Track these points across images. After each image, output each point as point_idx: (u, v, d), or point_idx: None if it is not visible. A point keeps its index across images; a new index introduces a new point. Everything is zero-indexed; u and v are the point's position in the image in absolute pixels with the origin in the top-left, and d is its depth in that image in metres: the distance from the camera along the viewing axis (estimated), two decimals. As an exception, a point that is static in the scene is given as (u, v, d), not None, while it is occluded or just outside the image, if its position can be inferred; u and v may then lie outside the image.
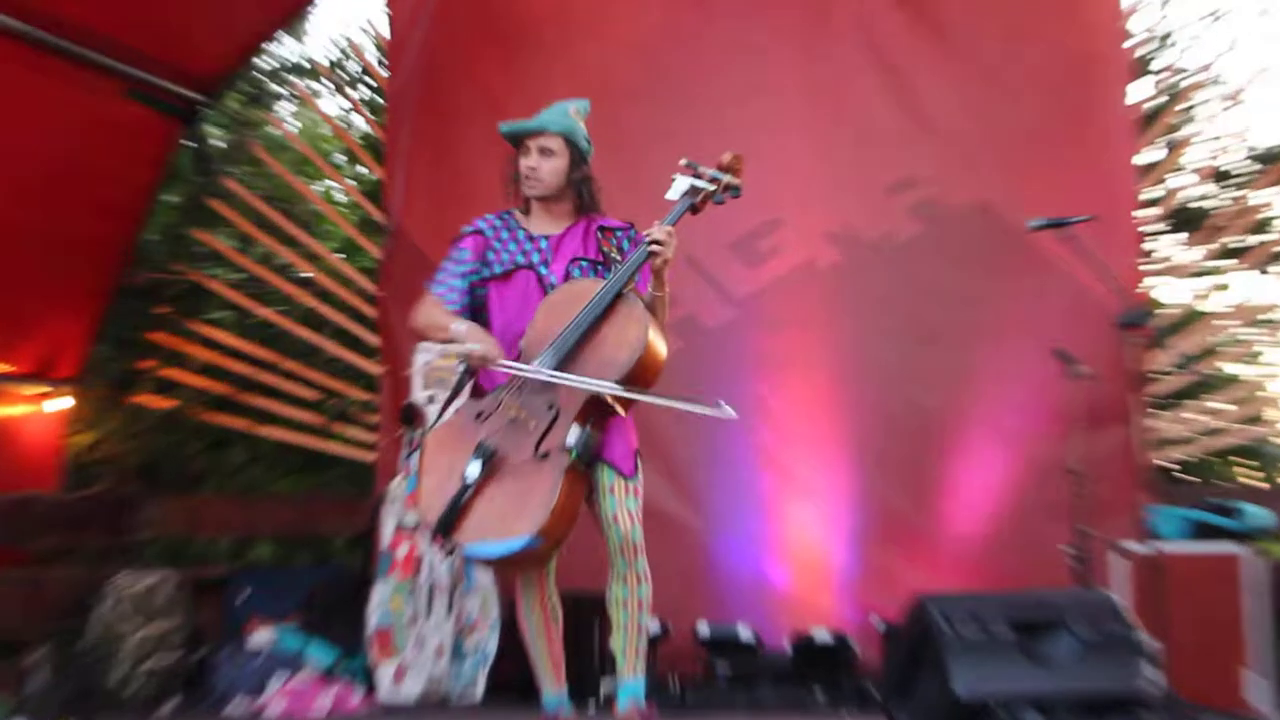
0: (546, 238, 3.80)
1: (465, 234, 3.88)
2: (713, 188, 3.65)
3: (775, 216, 6.46)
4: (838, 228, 6.39)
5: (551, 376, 3.38)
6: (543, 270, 3.75)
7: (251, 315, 7.24)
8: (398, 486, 5.59)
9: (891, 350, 6.21)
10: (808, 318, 6.38)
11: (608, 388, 3.35)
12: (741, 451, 6.22)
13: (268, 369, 7.02)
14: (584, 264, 3.77)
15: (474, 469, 3.40)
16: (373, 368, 6.95)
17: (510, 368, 3.49)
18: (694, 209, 3.70)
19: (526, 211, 3.89)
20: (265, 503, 7.03)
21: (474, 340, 3.63)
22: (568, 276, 3.77)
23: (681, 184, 3.68)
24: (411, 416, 5.82)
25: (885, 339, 6.24)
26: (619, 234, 3.83)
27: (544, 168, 3.79)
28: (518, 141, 3.86)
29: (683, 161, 3.72)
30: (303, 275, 7.31)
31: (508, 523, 3.30)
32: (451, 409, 3.71)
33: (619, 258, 3.75)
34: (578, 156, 3.83)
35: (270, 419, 7.11)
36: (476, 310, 3.84)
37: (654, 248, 3.60)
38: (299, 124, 8.64)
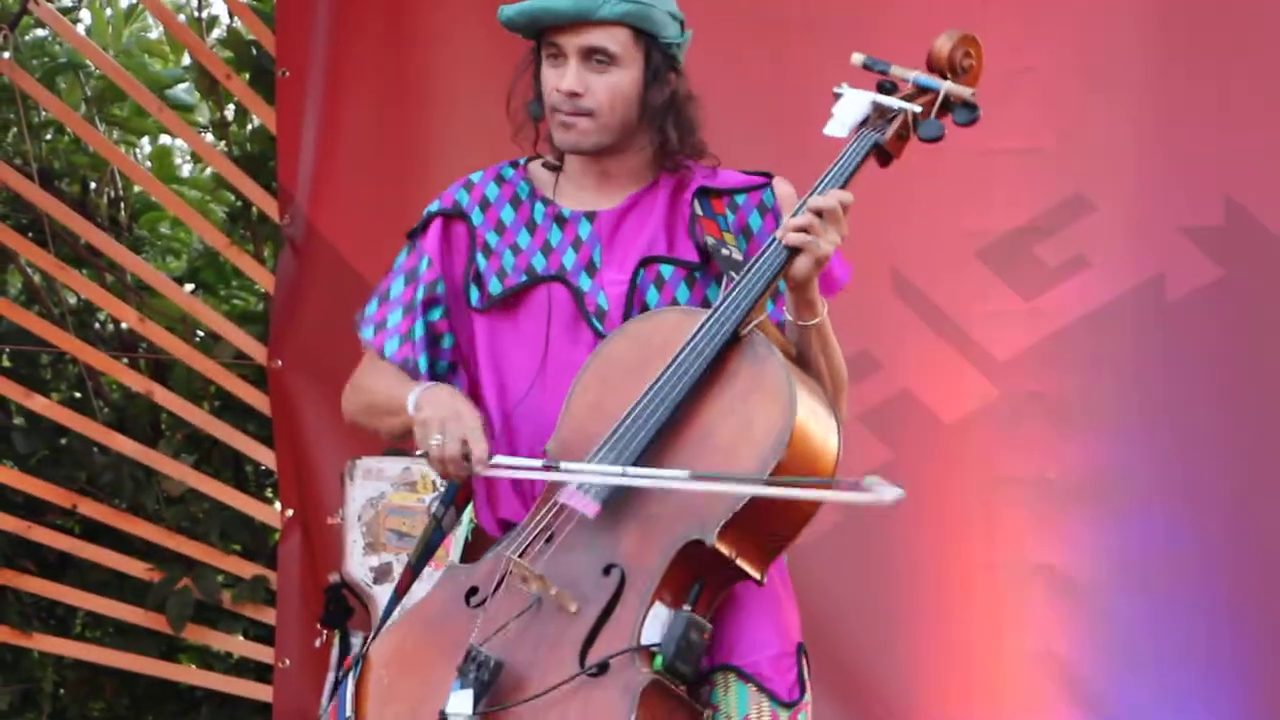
0: (590, 216, 3.42)
1: (427, 219, 3.48)
2: (917, 108, 3.30)
3: (1077, 193, 5.67)
4: (1211, 214, 5.68)
5: (598, 474, 3.17)
6: (583, 284, 3.37)
7: (10, 408, 6.66)
8: (316, 751, 5.51)
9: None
10: (1149, 399, 5.63)
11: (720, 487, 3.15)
12: (1007, 674, 5.62)
13: (43, 519, 6.34)
14: (665, 272, 3.40)
15: (460, 704, 3.13)
16: (263, 511, 6.35)
17: (519, 468, 3.23)
18: (882, 153, 3.29)
19: (555, 167, 3.46)
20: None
21: (437, 414, 3.23)
22: (636, 300, 3.37)
23: (853, 104, 3.33)
24: (342, 608, 5.50)
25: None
26: (741, 201, 3.45)
27: (598, 90, 3.36)
28: (538, 38, 3.41)
29: (857, 60, 3.39)
30: (117, 324, 6.86)
31: None
32: (416, 587, 3.52)
33: (735, 254, 3.38)
34: (660, 62, 3.38)
35: (50, 619, 6.66)
36: (449, 379, 3.46)
37: (795, 239, 3.17)
38: (100, 21, 7.73)
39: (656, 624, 3.13)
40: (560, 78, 3.35)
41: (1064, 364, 5.67)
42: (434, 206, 3.45)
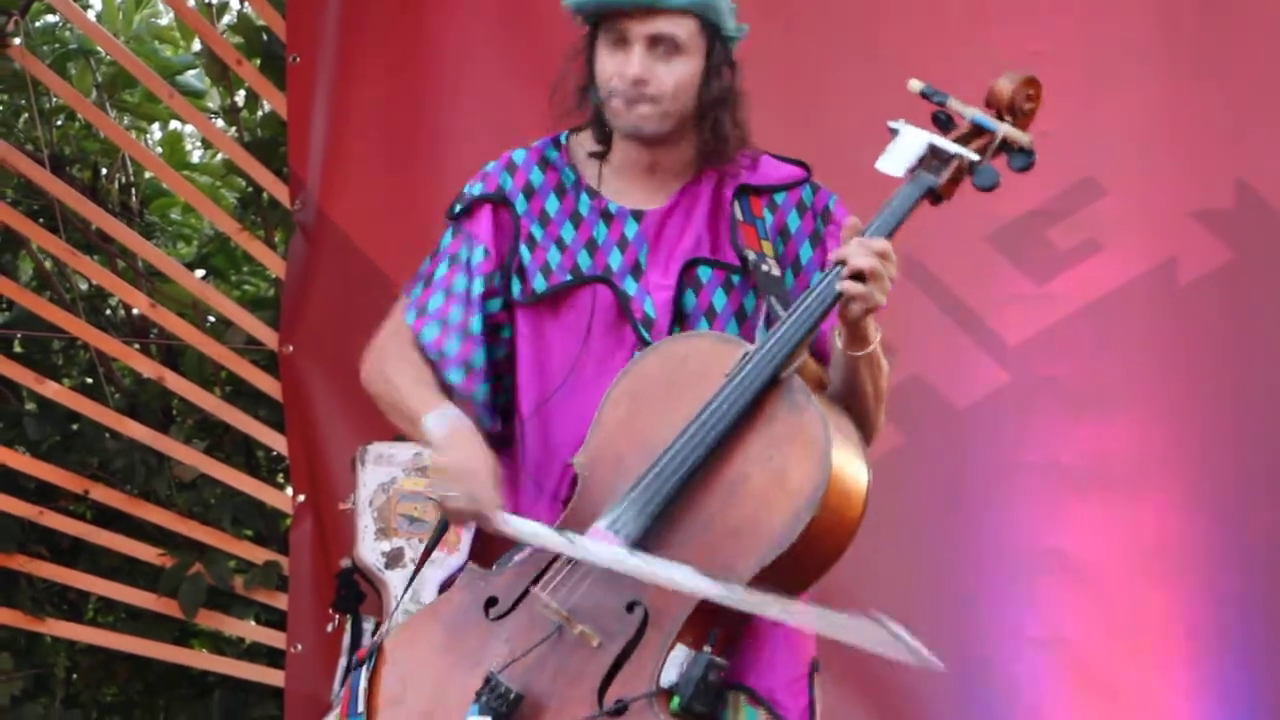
0: (637, 215, 3.36)
1: (470, 201, 3.39)
2: (973, 154, 3.21)
3: (1085, 176, 5.65)
4: (1222, 198, 5.62)
5: (619, 564, 3.10)
6: (629, 288, 3.33)
7: (22, 394, 6.59)
8: (326, 745, 5.42)
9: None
10: (1160, 383, 5.59)
11: (724, 594, 3.08)
12: (1020, 660, 5.53)
13: (55, 504, 6.25)
14: (704, 275, 3.35)
15: None
16: (275, 496, 6.31)
17: (536, 537, 3.16)
18: (934, 195, 3.22)
19: (602, 154, 3.39)
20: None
21: (454, 466, 3.19)
22: (680, 309, 3.31)
23: (910, 144, 3.25)
24: (353, 593, 5.52)
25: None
26: (780, 200, 3.40)
27: (664, 78, 3.30)
28: (596, 24, 3.33)
29: (915, 87, 3.27)
30: (128, 310, 6.83)
31: None
32: (427, 571, 3.61)
33: (774, 268, 3.34)
34: (720, 55, 3.34)
35: (63, 604, 6.60)
36: (505, 369, 3.39)
37: (848, 287, 3.11)
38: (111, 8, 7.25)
39: (675, 665, 3.12)
40: (625, 64, 3.31)
41: (1075, 348, 5.63)
42: (477, 189, 3.41)
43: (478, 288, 3.34)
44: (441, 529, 3.48)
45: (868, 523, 6.06)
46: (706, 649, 3.10)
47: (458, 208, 3.40)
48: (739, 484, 3.14)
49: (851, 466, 3.15)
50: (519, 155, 3.44)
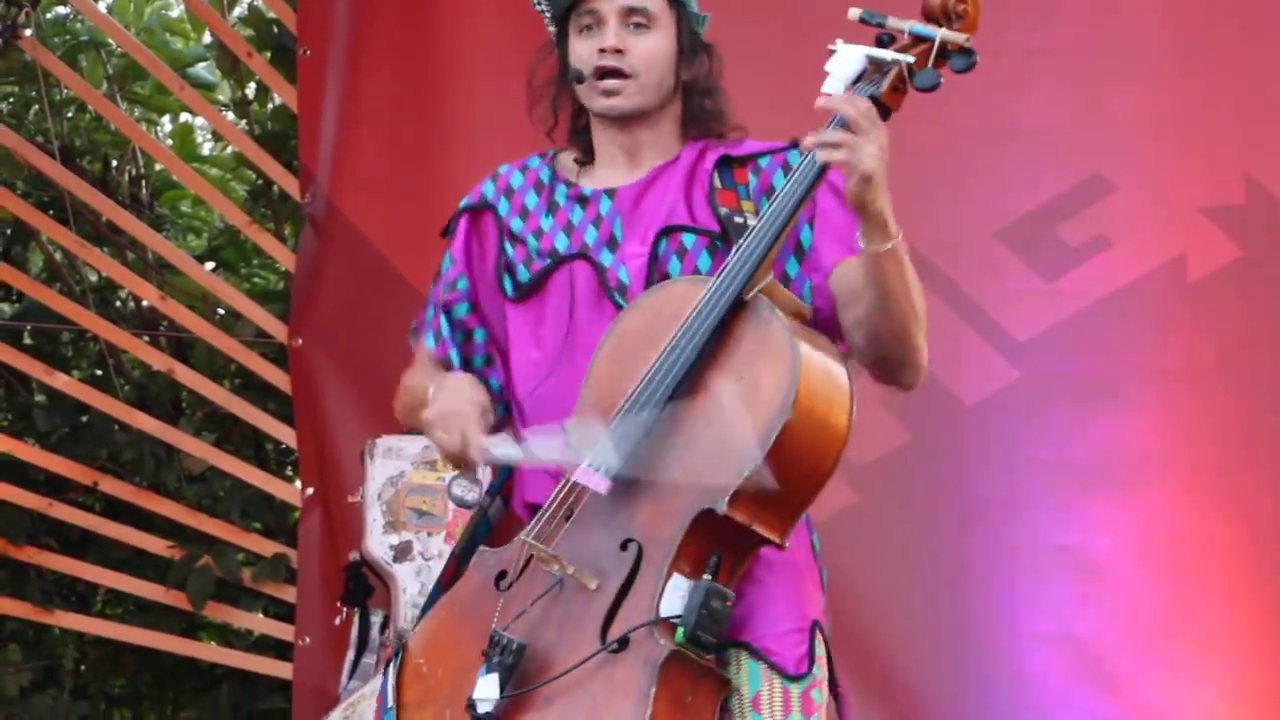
0: (610, 193, 3.38)
1: (457, 216, 3.45)
2: (911, 59, 3.24)
3: (1095, 173, 5.59)
4: (1232, 194, 5.54)
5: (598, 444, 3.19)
6: (604, 260, 3.34)
7: (32, 385, 6.53)
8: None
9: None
10: (1170, 379, 5.54)
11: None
12: (1029, 656, 5.49)
13: (64, 496, 6.18)
14: (688, 241, 3.34)
15: (486, 689, 3.10)
16: (283, 489, 6.29)
17: (521, 455, 3.21)
18: (880, 106, 3.21)
19: (585, 159, 3.43)
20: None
21: (442, 409, 3.23)
22: (657, 271, 3.32)
23: (847, 60, 3.30)
24: (361, 586, 5.50)
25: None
26: (764, 164, 3.39)
27: (637, 50, 3.35)
28: (566, 14, 3.39)
29: (853, 14, 3.30)
30: (138, 302, 6.72)
31: None
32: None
33: (750, 221, 3.31)
34: (690, 35, 3.40)
35: (72, 596, 6.52)
36: (485, 373, 3.42)
37: (829, 155, 3.11)
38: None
39: (676, 595, 3.10)
40: (600, 40, 3.36)
41: (1085, 345, 5.57)
42: (463, 202, 3.45)
43: (443, 293, 3.40)
44: (475, 536, 3.52)
45: (875, 521, 5.98)
46: (706, 577, 3.11)
47: (456, 213, 3.45)
48: (714, 406, 3.16)
49: (825, 371, 3.16)
50: (503, 167, 3.48)
